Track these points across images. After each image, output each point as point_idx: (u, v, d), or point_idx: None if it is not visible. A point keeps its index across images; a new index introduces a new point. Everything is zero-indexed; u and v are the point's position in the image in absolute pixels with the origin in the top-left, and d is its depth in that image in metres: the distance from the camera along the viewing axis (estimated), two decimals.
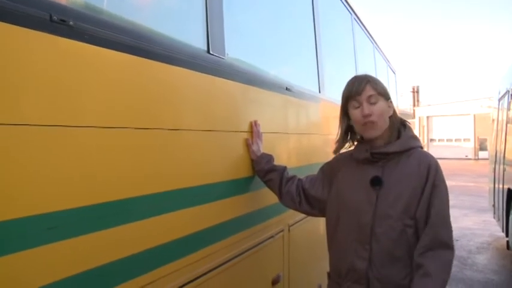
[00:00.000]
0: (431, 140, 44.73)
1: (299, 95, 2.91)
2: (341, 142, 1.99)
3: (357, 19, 5.18)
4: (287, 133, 2.75)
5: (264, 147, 2.23)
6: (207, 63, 1.81)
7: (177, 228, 1.61)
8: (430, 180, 1.78)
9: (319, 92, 3.47)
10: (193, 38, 1.83)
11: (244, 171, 2.15)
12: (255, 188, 2.24)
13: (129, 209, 1.36)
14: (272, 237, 2.46)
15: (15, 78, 1.01)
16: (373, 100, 1.81)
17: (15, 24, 1.00)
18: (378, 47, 6.87)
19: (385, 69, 7.74)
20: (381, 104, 1.82)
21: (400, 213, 1.76)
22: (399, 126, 1.93)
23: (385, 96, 1.86)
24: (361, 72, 5.83)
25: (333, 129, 3.66)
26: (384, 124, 1.84)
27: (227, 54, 1.96)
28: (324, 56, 3.59)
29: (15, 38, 1.01)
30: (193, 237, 1.70)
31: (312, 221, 3.07)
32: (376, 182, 1.81)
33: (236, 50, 2.11)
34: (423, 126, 44.36)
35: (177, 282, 1.59)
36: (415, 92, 49.22)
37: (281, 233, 2.60)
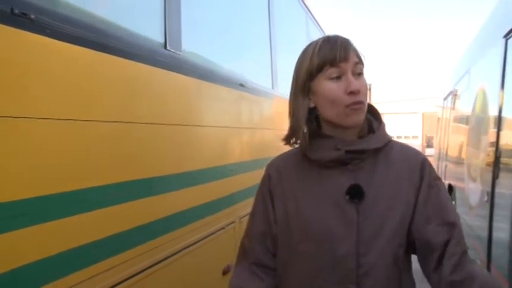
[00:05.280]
0: None
1: (252, 90, 2.99)
2: (302, 133, 1.31)
3: (312, 18, 5.31)
4: (240, 127, 2.82)
5: (217, 140, 2.29)
6: (164, 58, 1.86)
7: (127, 219, 1.65)
8: (425, 181, 1.29)
9: (272, 88, 3.57)
10: (152, 34, 1.87)
11: (197, 164, 2.20)
12: (206, 180, 2.30)
13: (77, 200, 1.39)
14: (223, 228, 2.54)
15: None
16: (358, 71, 1.25)
17: None
18: None
19: None
20: (365, 78, 1.28)
21: (394, 231, 1.25)
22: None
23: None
24: None
25: (285, 124, 3.77)
26: (365, 109, 1.28)
27: (183, 50, 2.01)
28: (278, 53, 3.69)
29: None
30: (143, 228, 1.75)
31: None
32: (355, 193, 1.25)
33: (193, 46, 2.17)
34: None
35: (129, 271, 1.64)
36: (368, 89, 50.59)
37: (232, 225, 2.68)
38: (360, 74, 1.25)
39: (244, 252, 1.44)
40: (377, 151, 1.31)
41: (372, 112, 1.37)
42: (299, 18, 4.86)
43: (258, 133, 3.21)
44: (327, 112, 1.27)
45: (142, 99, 1.75)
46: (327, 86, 1.24)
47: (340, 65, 1.22)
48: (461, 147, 6.42)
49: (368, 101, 1.26)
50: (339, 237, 1.23)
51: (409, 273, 1.33)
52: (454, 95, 7.51)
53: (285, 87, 3.78)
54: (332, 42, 1.24)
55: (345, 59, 1.21)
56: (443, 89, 9.66)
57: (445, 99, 9.09)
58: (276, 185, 1.37)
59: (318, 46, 1.25)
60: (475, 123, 5.15)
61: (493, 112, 3.93)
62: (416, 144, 43.26)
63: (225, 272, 2.53)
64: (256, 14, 3.43)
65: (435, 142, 11.92)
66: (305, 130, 1.30)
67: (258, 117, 3.26)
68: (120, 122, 1.60)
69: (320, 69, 1.24)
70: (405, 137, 46.10)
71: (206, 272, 2.37)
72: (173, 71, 1.93)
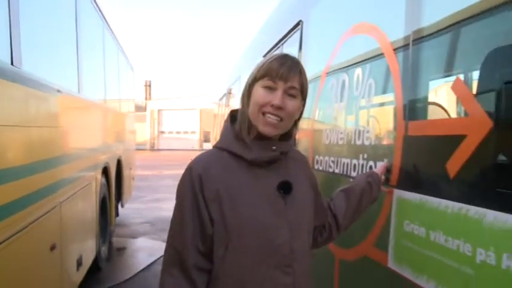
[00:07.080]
0: (162, 132, 47.10)
1: (67, 94, 3.50)
2: (246, 124, 1.47)
3: (107, 26, 5.94)
4: (59, 127, 3.31)
5: (39, 139, 2.78)
6: (11, 72, 2.33)
7: None
8: (313, 177, 1.65)
9: (78, 92, 4.11)
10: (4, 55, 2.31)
11: (18, 160, 2.48)
12: (28, 174, 2.60)
13: None
14: (48, 212, 2.95)
15: None
16: (291, 93, 1.43)
17: None
18: (121, 47, 7.58)
19: (126, 68, 8.46)
20: (297, 102, 1.45)
21: (308, 220, 1.53)
22: None
23: (304, 96, 1.50)
24: (108, 72, 6.72)
25: (87, 122, 4.41)
26: (287, 126, 1.47)
27: (22, 65, 2.48)
28: (83, 62, 4.27)
29: None
30: None
31: (76, 200, 3.72)
32: (286, 188, 1.45)
33: (28, 62, 2.63)
34: (154, 119, 46.54)
35: None
36: (148, 86, 51.33)
37: (54, 209, 3.10)
38: (292, 97, 1.42)
39: (176, 258, 1.42)
40: (285, 153, 1.51)
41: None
42: (97, 28, 5.44)
43: (72, 132, 3.71)
44: (250, 113, 1.44)
45: None
46: (259, 92, 1.42)
47: (277, 82, 1.40)
48: None
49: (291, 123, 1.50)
50: (274, 228, 1.40)
51: None
52: (228, 95, 8.89)
53: (88, 91, 4.37)
54: (282, 61, 1.42)
55: (284, 79, 1.39)
56: (219, 88, 11.14)
57: (220, 99, 10.55)
58: (207, 184, 1.40)
59: (270, 59, 1.44)
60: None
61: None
62: (195, 139, 45.64)
63: (52, 248, 3.01)
64: (67, 30, 3.93)
65: (212, 137, 13.42)
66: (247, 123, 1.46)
67: (70, 117, 3.75)
68: None
69: (261, 77, 1.42)
70: (184, 132, 48.16)
71: (36, 248, 2.80)
72: (16, 82, 2.40)
